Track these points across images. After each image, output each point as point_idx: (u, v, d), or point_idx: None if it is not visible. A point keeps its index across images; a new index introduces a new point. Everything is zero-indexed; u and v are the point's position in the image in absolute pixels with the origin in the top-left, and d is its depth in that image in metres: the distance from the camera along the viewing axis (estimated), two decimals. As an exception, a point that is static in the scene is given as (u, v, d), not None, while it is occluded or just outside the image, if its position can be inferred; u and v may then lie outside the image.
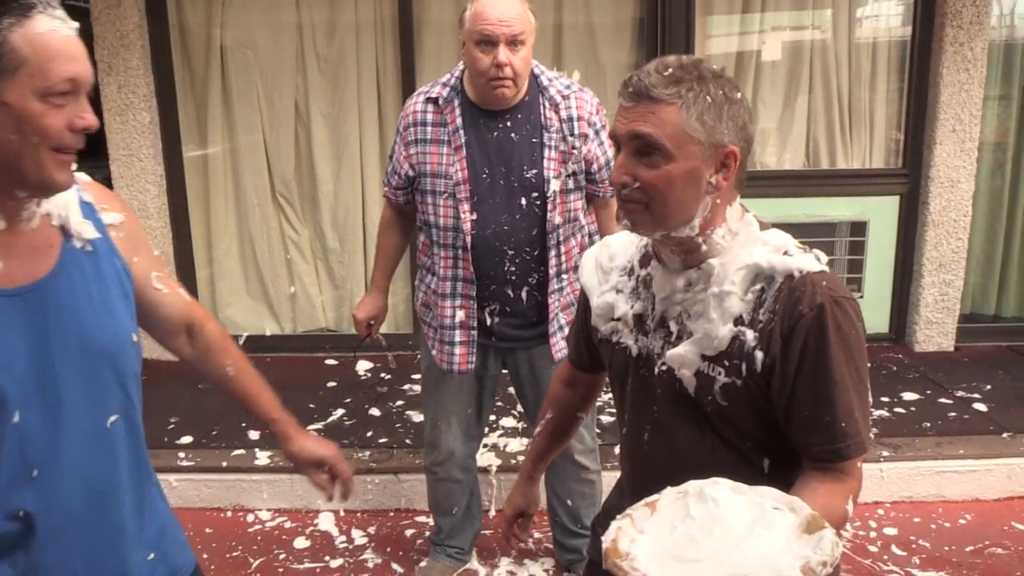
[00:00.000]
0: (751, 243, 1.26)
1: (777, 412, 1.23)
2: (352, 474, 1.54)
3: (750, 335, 1.22)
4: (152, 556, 1.30)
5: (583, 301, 1.51)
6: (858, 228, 4.18)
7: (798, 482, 1.21)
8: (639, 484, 1.37)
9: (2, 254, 1.11)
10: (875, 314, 4.30)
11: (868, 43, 4.22)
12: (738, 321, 1.23)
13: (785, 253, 1.24)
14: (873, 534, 2.96)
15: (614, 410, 3.50)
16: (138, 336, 1.26)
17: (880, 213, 4.22)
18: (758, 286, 1.23)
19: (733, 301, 1.23)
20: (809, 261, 1.23)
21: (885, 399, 3.60)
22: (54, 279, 1.15)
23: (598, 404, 3.54)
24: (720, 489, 1.09)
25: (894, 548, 2.88)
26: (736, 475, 1.12)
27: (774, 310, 1.21)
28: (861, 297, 4.23)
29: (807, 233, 4.01)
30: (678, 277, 1.29)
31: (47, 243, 1.16)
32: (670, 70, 1.20)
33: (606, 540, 1.07)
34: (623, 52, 4.26)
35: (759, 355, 1.21)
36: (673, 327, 1.30)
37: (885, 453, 3.16)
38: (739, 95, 1.23)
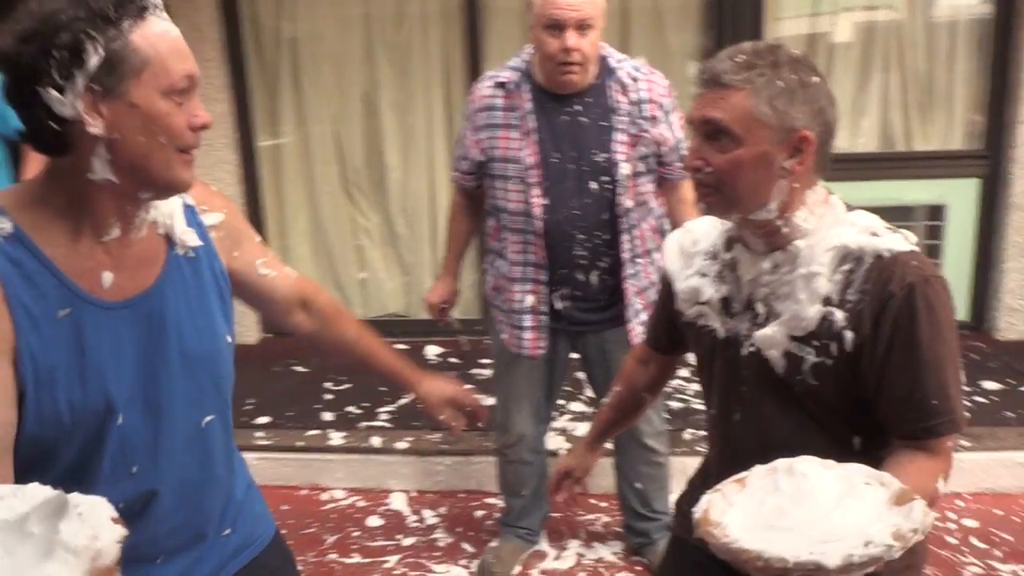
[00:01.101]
0: (838, 224, 1.27)
1: (867, 390, 1.24)
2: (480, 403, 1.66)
3: (839, 315, 1.22)
4: (228, 532, 1.36)
5: (665, 285, 1.52)
6: (936, 212, 4.06)
7: (888, 460, 1.22)
8: (728, 463, 1.39)
9: (114, 265, 1.15)
10: (956, 302, 4.17)
11: (946, 21, 4.08)
12: (827, 301, 1.23)
13: (873, 234, 1.24)
14: (952, 525, 2.89)
15: (683, 396, 3.51)
16: (232, 337, 1.31)
17: (959, 196, 4.09)
18: (847, 266, 1.23)
19: (821, 282, 1.24)
20: (898, 241, 1.23)
21: (966, 388, 3.48)
22: (158, 289, 1.20)
23: (667, 390, 3.54)
24: (809, 464, 1.10)
25: (974, 540, 2.80)
26: (826, 453, 1.13)
27: (864, 290, 1.21)
28: (939, 282, 4.12)
29: (881, 217, 3.95)
30: (764, 259, 1.30)
31: (153, 253, 1.20)
32: (742, 56, 1.22)
33: (698, 511, 1.09)
34: (690, 36, 4.21)
35: (849, 335, 1.22)
36: (760, 309, 1.31)
37: (965, 443, 3.07)
38: (815, 79, 1.23)
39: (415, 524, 3.04)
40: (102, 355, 1.13)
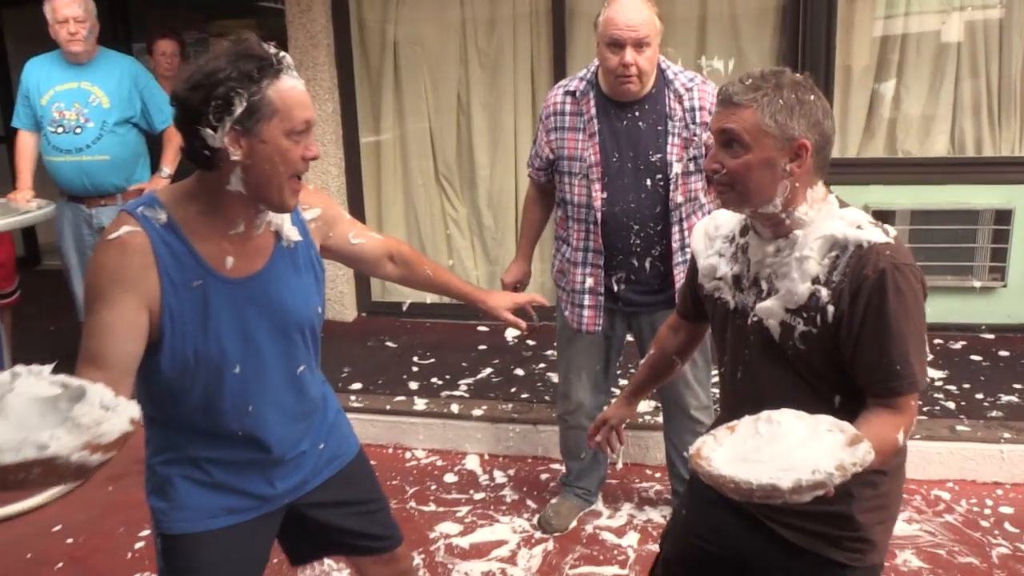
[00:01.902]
0: (831, 218, 1.53)
1: (845, 356, 1.49)
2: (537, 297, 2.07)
3: (824, 293, 1.48)
4: (323, 446, 1.77)
5: (692, 262, 1.80)
6: (1003, 216, 4.13)
7: (860, 416, 1.47)
8: (732, 414, 1.66)
9: (236, 252, 1.53)
10: (1020, 303, 4.25)
11: (1022, 25, 4.15)
12: (815, 281, 1.50)
13: (858, 227, 1.50)
14: (988, 511, 3.04)
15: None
16: (322, 308, 1.71)
17: (1027, 201, 4.17)
18: (834, 253, 1.49)
19: (811, 264, 1.50)
20: (878, 234, 1.48)
21: (1018, 386, 3.62)
22: (267, 271, 1.58)
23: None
24: (785, 415, 1.38)
25: (1007, 525, 2.95)
26: (811, 407, 1.40)
27: (845, 273, 1.47)
28: (1004, 286, 4.20)
29: (948, 221, 4.07)
30: (769, 244, 1.57)
31: (265, 244, 1.58)
32: (751, 80, 1.49)
33: (692, 449, 1.40)
34: (766, 40, 4.40)
35: (831, 309, 1.47)
36: (764, 285, 1.58)
37: (1007, 435, 3.22)
38: (812, 97, 1.49)
39: (486, 482, 3.39)
40: (221, 317, 1.53)
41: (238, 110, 1.37)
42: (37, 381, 1.15)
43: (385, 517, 1.89)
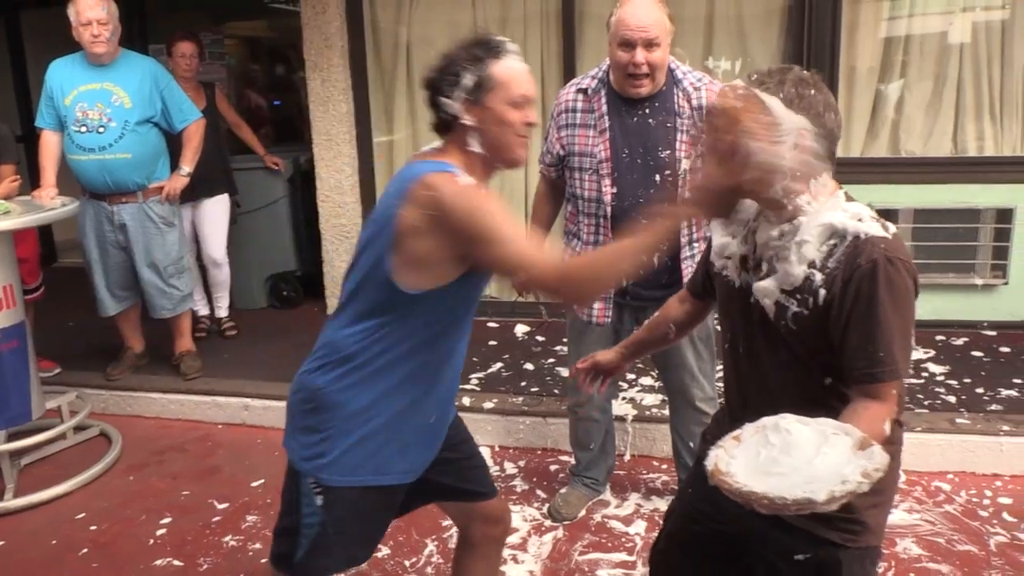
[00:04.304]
0: (835, 209, 1.61)
1: (833, 339, 1.56)
2: None
3: (818, 277, 1.56)
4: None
5: (709, 241, 1.88)
6: (1004, 215, 4.21)
7: (847, 407, 1.53)
8: (734, 387, 1.79)
9: None
10: (1021, 301, 4.32)
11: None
12: (811, 265, 1.57)
13: (859, 219, 1.57)
14: (987, 501, 3.11)
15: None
16: None
17: (1028, 200, 4.23)
18: (832, 241, 1.57)
19: (809, 249, 1.58)
20: (876, 228, 1.55)
21: (1018, 381, 3.69)
22: None
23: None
24: (790, 421, 1.42)
25: (1005, 515, 3.02)
26: (804, 385, 1.48)
27: (840, 260, 1.54)
28: (1006, 283, 4.28)
29: (950, 219, 4.15)
30: (774, 228, 1.65)
31: None
32: (756, 76, 1.58)
33: (709, 464, 1.41)
34: (772, 41, 4.49)
35: (822, 292, 1.55)
36: (765, 267, 1.66)
37: (1006, 428, 3.29)
38: (812, 92, 1.55)
39: (497, 473, 3.47)
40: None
41: (468, 84, 1.69)
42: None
43: (482, 474, 2.15)
